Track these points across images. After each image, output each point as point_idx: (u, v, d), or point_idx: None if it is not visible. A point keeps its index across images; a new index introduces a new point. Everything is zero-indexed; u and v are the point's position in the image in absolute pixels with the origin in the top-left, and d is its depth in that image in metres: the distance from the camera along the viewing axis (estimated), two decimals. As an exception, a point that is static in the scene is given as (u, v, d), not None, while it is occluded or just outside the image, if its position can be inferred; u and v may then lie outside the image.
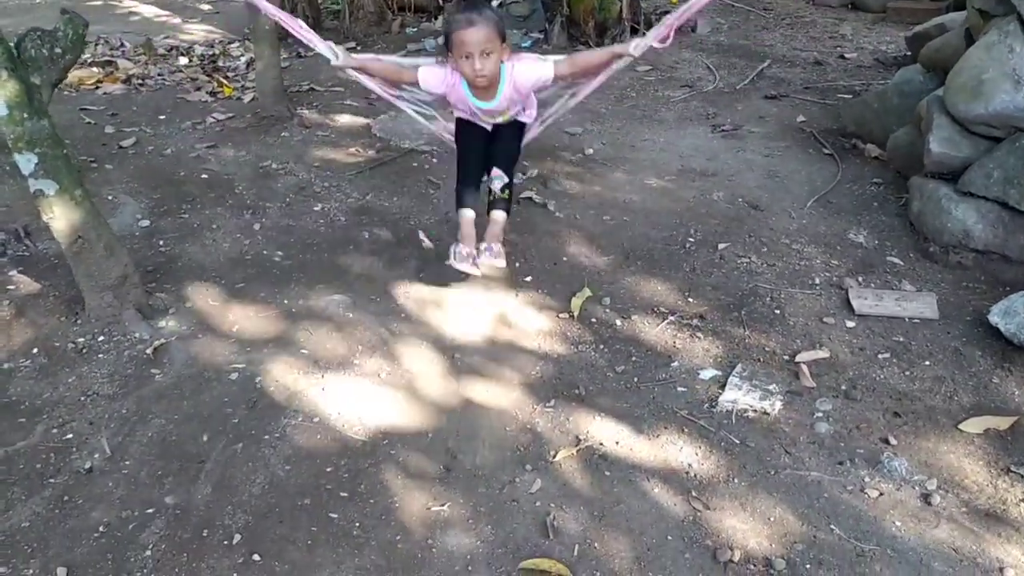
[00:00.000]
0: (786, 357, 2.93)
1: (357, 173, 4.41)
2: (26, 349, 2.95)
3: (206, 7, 8.18)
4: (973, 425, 2.59)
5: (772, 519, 2.29)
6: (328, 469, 2.46)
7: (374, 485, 2.40)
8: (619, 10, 6.50)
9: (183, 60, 6.34)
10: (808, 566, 2.15)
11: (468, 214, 3.15)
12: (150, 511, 2.30)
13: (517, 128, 3.29)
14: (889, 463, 2.45)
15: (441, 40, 3.05)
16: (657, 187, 4.24)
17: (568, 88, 3.37)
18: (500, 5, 7.17)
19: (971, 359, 2.89)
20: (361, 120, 5.17)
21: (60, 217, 2.82)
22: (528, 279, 3.41)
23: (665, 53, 6.43)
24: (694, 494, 2.38)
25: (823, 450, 2.52)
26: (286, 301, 3.27)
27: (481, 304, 3.25)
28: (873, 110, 4.66)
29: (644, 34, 3.11)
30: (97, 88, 5.76)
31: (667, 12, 7.17)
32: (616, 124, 5.12)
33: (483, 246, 3.10)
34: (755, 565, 2.15)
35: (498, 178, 3.13)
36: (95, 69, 6.07)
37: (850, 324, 3.11)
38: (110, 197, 4.07)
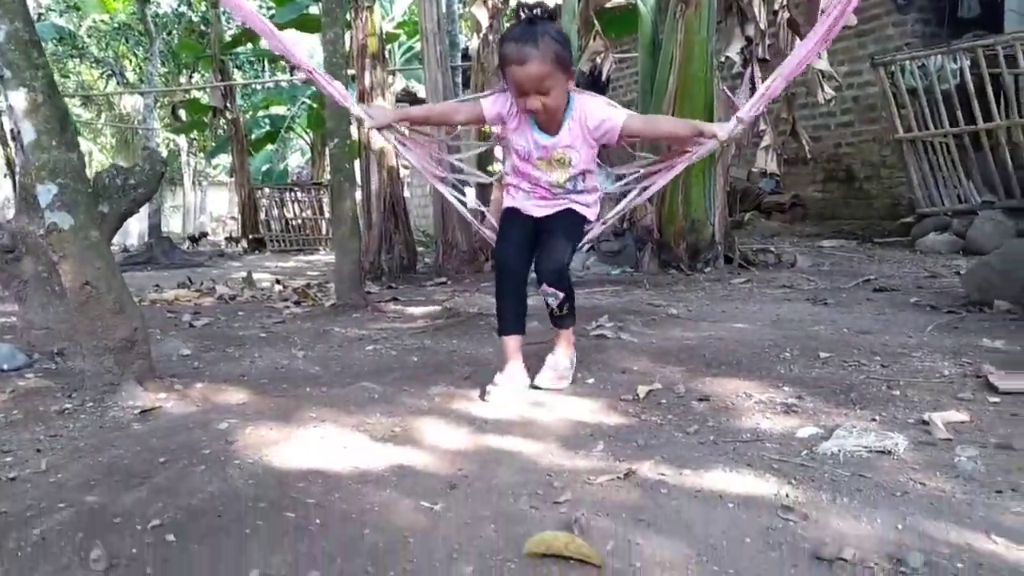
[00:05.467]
0: (911, 420, 2.26)
1: (420, 330, 4.13)
2: (5, 409, 2.61)
3: (316, 273, 8.59)
4: None
5: (902, 527, 1.57)
6: (300, 484, 1.90)
7: (350, 498, 1.82)
8: (711, 233, 6.37)
9: (278, 288, 6.49)
10: (960, 564, 1.40)
11: (512, 342, 2.79)
12: (61, 505, 1.79)
13: (569, 223, 2.83)
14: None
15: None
16: (748, 328, 3.75)
17: (637, 180, 3.06)
18: (591, 248, 7.19)
19: None
20: (434, 308, 4.98)
21: (70, 256, 2.61)
22: (589, 381, 2.89)
23: (758, 274, 6.16)
24: (785, 505, 1.69)
25: (972, 482, 1.80)
26: (308, 389, 2.86)
27: (527, 394, 2.73)
28: (998, 271, 4.14)
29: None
30: (191, 303, 5.87)
31: (765, 249, 7.08)
32: (704, 302, 4.73)
33: (548, 361, 2.79)
34: (878, 563, 1.42)
35: (551, 296, 2.73)
36: (195, 292, 6.25)
37: (994, 399, 2.43)
38: (159, 338, 3.89)
